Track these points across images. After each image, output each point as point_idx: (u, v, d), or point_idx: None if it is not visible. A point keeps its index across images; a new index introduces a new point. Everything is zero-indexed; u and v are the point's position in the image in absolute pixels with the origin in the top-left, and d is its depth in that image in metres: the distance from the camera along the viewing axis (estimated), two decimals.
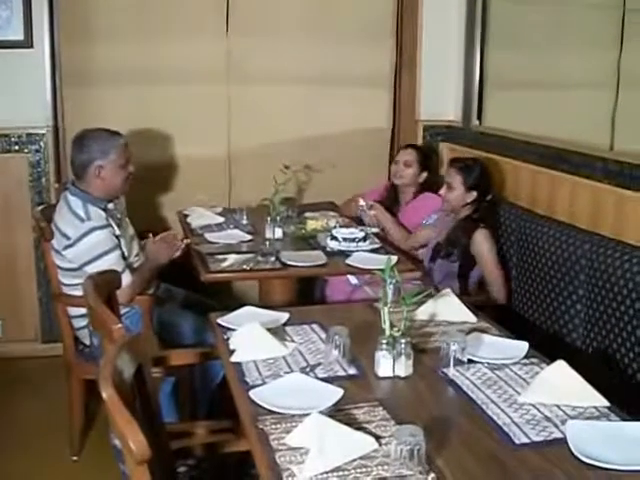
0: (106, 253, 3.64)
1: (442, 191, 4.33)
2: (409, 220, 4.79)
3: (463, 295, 3.65)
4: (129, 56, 5.06)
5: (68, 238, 3.64)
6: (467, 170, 4.26)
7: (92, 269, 3.50)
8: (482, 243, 4.13)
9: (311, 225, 4.53)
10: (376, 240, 4.25)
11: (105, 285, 2.81)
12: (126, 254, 3.77)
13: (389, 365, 2.51)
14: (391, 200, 4.96)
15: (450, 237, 4.29)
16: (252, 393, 2.35)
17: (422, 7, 5.34)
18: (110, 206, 3.84)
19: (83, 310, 2.96)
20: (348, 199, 5.12)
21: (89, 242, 3.62)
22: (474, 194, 4.23)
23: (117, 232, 3.73)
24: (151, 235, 3.96)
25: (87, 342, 3.75)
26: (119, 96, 5.09)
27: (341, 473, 1.93)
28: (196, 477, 2.61)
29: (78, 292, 3.47)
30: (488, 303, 4.01)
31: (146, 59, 5.10)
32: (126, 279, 3.60)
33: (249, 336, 2.74)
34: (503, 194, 4.58)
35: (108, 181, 3.78)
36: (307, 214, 4.79)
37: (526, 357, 2.67)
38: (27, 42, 4.82)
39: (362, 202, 4.77)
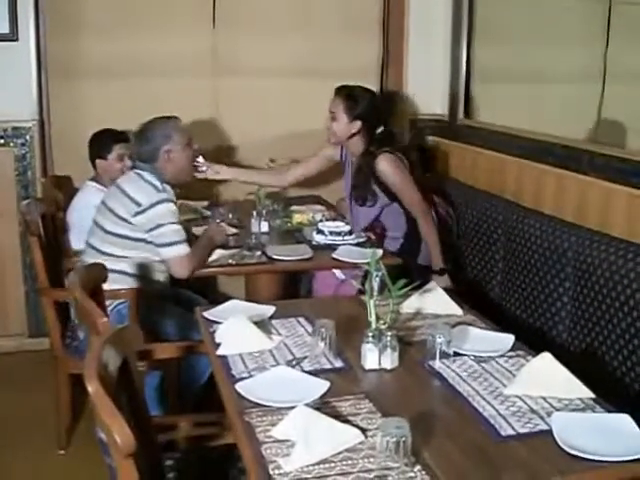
0: (173, 223, 3.70)
1: (327, 123, 4.32)
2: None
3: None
4: (115, 49, 5.04)
5: (139, 205, 3.68)
6: (351, 98, 4.23)
7: (157, 234, 3.67)
8: (387, 167, 4.13)
9: (297, 219, 4.53)
10: (362, 234, 4.24)
11: (91, 278, 2.80)
12: None
13: (375, 358, 2.52)
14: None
15: (356, 181, 4.30)
16: (238, 386, 2.35)
17: (409, 2, 5.34)
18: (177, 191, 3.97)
19: None
20: (341, 198, 5.09)
21: (162, 209, 3.68)
22: (358, 124, 4.21)
23: None
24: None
25: None
26: (106, 90, 5.07)
27: (327, 465, 1.94)
28: (182, 470, 2.61)
29: (122, 265, 3.68)
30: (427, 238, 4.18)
31: (133, 52, 5.08)
32: (186, 249, 3.71)
33: (235, 329, 2.74)
34: (490, 187, 4.58)
35: (178, 163, 3.88)
36: (293, 207, 4.79)
37: (512, 350, 2.67)
38: (12, 35, 4.78)
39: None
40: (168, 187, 3.83)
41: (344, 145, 4.40)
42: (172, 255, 3.69)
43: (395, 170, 4.15)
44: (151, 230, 3.68)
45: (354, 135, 4.25)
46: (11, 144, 4.93)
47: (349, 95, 4.25)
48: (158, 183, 3.77)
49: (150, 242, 3.70)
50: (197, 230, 4.29)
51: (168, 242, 3.68)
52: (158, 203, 3.68)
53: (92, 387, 1.81)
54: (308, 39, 5.35)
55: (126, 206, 3.70)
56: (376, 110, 4.30)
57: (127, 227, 3.70)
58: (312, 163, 4.72)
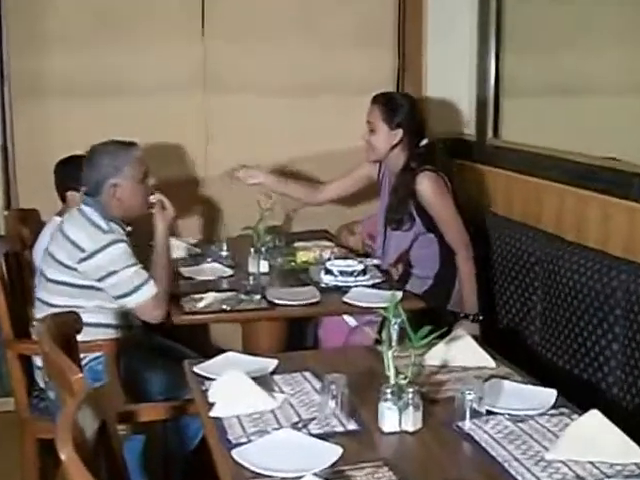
0: (128, 267, 3.70)
1: (364, 136, 4.38)
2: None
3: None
4: (88, 66, 5.08)
5: (83, 250, 3.68)
6: (390, 104, 4.32)
7: (112, 284, 3.68)
8: (427, 187, 4.17)
9: (302, 257, 4.54)
10: (378, 273, 4.25)
11: (63, 329, 2.80)
12: None
13: (395, 418, 2.51)
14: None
15: (392, 201, 4.33)
16: (235, 453, 2.34)
17: (427, 5, 5.37)
18: (129, 229, 3.94)
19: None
20: (342, 225, 5.13)
21: (111, 254, 3.68)
22: (399, 133, 4.28)
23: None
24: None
25: None
26: (78, 111, 5.10)
27: None
28: None
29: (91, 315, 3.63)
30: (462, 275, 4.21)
31: (108, 69, 5.12)
32: (152, 289, 3.72)
33: (231, 387, 2.73)
34: (525, 217, 4.58)
35: (126, 201, 3.85)
36: (297, 244, 4.81)
37: (554, 407, 2.67)
38: None
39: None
40: (115, 225, 3.80)
41: (383, 161, 4.45)
42: (139, 302, 3.70)
43: (436, 192, 4.19)
44: (103, 279, 3.69)
45: (395, 147, 4.32)
46: None
47: (388, 102, 4.35)
48: (103, 223, 3.76)
49: (100, 289, 3.71)
50: (185, 271, 4.30)
51: (129, 290, 3.69)
52: (105, 247, 3.68)
53: (66, 454, 1.81)
54: (311, 51, 5.40)
55: (69, 252, 3.71)
56: (418, 118, 4.40)
57: (72, 274, 3.72)
58: (348, 183, 4.81)
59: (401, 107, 4.32)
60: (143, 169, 3.91)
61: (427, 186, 4.18)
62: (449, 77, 5.42)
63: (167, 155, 5.26)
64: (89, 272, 3.69)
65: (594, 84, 4.44)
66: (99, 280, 3.69)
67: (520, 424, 2.56)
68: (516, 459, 2.34)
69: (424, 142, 4.34)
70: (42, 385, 3.85)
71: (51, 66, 5.05)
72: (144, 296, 3.69)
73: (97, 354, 3.70)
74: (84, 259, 3.68)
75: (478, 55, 5.29)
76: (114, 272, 3.67)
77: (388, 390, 2.52)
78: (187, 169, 5.33)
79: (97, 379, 3.57)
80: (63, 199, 4.54)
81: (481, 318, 4.19)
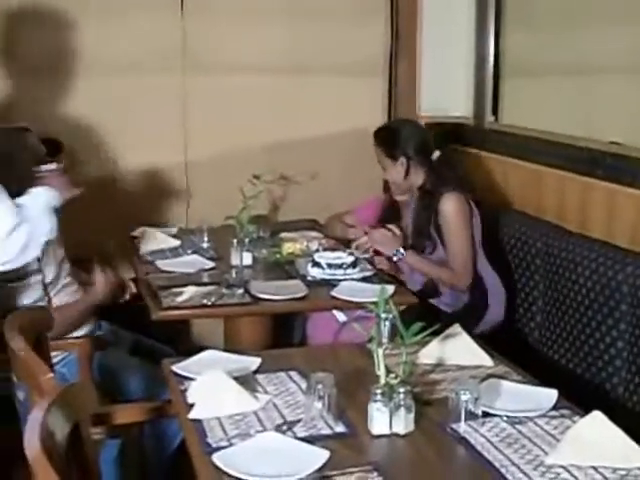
0: None
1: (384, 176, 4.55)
2: None
3: None
4: (51, 42, 5.04)
5: None
6: (386, 139, 4.41)
7: None
8: (450, 208, 4.22)
9: (288, 248, 4.54)
10: (368, 266, 4.26)
11: (33, 325, 2.81)
12: (52, 277, 3.78)
13: (385, 421, 2.52)
14: (391, 218, 4.95)
15: (417, 224, 4.38)
16: (216, 457, 2.35)
17: None
18: None
19: None
20: (332, 216, 5.14)
21: None
22: (404, 161, 4.34)
23: None
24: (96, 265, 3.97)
25: None
26: (41, 92, 5.06)
27: None
28: None
29: None
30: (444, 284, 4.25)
31: (75, 44, 5.07)
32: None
33: (211, 387, 2.74)
34: (525, 206, 4.60)
35: None
36: (283, 235, 4.82)
37: (555, 408, 2.68)
38: None
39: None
40: None
41: (406, 189, 4.49)
42: None
43: (457, 213, 4.22)
44: None
45: (408, 174, 4.37)
46: None
47: (383, 138, 4.43)
48: None
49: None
50: (162, 264, 4.30)
51: None
52: None
53: (35, 459, 1.82)
54: (299, 27, 5.40)
55: None
56: (418, 138, 4.44)
57: None
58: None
59: (397, 136, 4.38)
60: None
61: (451, 206, 4.19)
62: (445, 56, 5.43)
63: (142, 141, 5.24)
64: None
65: (602, 63, 4.42)
66: None
67: (518, 426, 2.57)
68: (514, 464, 2.35)
69: (435, 155, 4.37)
70: None
71: (10, 41, 4.97)
72: None
73: (62, 355, 3.70)
74: None
75: (476, 32, 5.30)
76: None
77: (378, 390, 2.52)
78: (164, 155, 5.30)
79: (70, 379, 3.58)
80: None
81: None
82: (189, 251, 4.56)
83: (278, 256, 4.49)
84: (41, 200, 3.59)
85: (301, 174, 5.43)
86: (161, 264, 4.31)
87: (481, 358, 3.09)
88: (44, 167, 3.84)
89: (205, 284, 4.00)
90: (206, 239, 4.65)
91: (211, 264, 4.34)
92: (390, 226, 4.35)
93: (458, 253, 4.22)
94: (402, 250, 4.23)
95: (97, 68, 5.14)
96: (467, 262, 4.23)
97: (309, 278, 4.12)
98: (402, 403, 2.51)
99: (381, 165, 4.46)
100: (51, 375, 2.47)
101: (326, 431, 2.54)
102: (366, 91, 5.57)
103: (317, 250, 4.44)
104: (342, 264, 4.14)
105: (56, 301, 3.76)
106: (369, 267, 4.25)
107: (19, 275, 3.65)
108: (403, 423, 2.52)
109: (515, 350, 3.41)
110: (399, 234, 4.29)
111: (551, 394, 2.75)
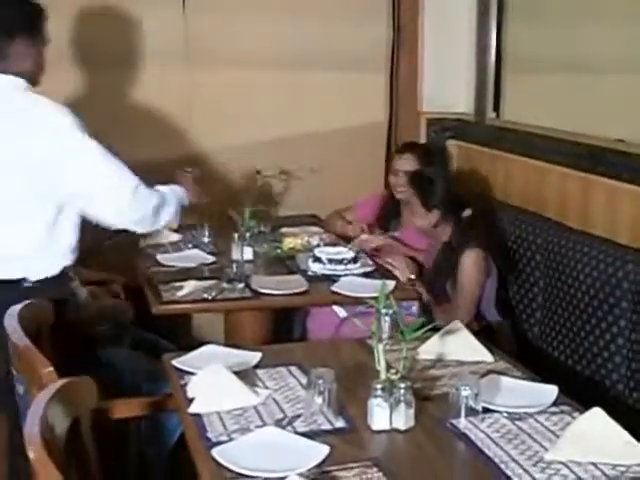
0: None
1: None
2: (415, 245, 4.77)
3: None
4: (61, 36, 5.04)
5: None
6: (422, 187, 4.34)
7: None
8: (470, 265, 4.18)
9: (289, 243, 4.54)
10: (369, 261, 4.26)
11: (35, 318, 2.81)
12: None
13: (385, 416, 2.52)
14: (390, 216, 4.96)
15: (437, 269, 4.39)
16: (216, 451, 2.35)
17: None
18: None
19: None
20: (332, 212, 5.14)
21: None
22: (436, 214, 4.29)
23: None
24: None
25: None
26: (49, 85, 5.06)
27: None
28: None
29: None
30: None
31: (81, 39, 5.07)
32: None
33: (212, 381, 2.74)
34: (526, 203, 4.59)
35: None
36: (284, 230, 4.82)
37: (555, 404, 2.68)
38: None
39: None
40: None
41: (429, 234, 4.49)
42: None
43: (475, 269, 4.20)
44: None
45: (436, 226, 4.35)
46: None
47: (419, 185, 4.36)
48: None
49: None
50: (163, 258, 4.30)
51: None
52: None
53: (35, 454, 1.82)
54: (301, 23, 5.38)
55: None
56: (453, 196, 4.37)
57: None
58: None
59: (433, 187, 4.32)
60: None
61: (470, 264, 4.17)
62: (447, 52, 5.43)
63: (143, 135, 5.22)
64: None
65: (605, 59, 4.40)
66: None
67: (518, 422, 2.57)
68: (514, 460, 2.35)
69: (466, 213, 4.33)
70: None
71: None
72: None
73: None
74: None
75: (478, 28, 5.29)
76: None
77: (378, 386, 2.52)
78: (169, 148, 5.30)
79: None
80: None
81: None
82: (190, 245, 4.56)
83: (279, 251, 4.48)
84: (176, 193, 3.90)
85: (303, 169, 5.42)
86: (162, 258, 4.31)
87: (481, 354, 3.09)
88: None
89: (206, 278, 4.00)
90: (207, 234, 4.65)
91: (212, 258, 4.34)
92: (413, 254, 4.41)
93: (466, 303, 4.20)
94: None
95: (101, 63, 5.12)
96: (471, 309, 4.20)
97: (310, 273, 4.12)
98: (402, 398, 2.51)
99: (410, 206, 4.42)
100: (51, 369, 2.47)
101: (326, 426, 2.54)
102: (368, 87, 5.57)
103: (318, 245, 4.44)
104: (343, 259, 4.13)
105: None
106: (370, 262, 4.25)
107: None
108: (403, 419, 2.52)
109: (515, 346, 3.41)
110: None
111: (551, 390, 2.75)
